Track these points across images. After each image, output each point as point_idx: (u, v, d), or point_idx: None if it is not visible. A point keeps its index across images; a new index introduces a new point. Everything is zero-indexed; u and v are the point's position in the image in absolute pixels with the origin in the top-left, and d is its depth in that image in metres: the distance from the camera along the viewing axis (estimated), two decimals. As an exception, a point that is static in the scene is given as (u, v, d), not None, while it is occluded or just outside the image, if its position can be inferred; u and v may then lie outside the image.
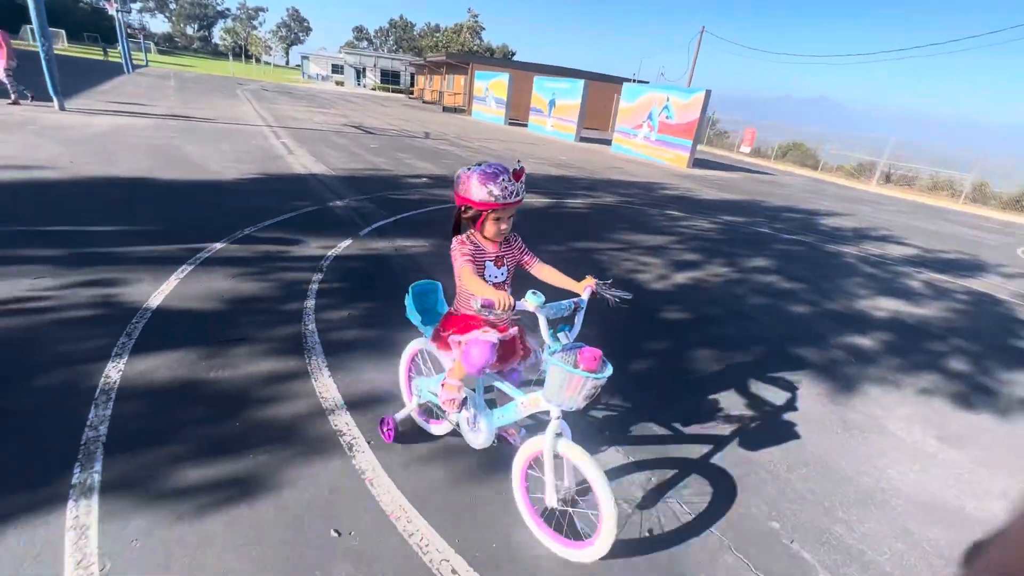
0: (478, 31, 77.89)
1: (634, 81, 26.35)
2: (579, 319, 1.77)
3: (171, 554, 1.62)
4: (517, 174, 1.70)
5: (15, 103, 10.36)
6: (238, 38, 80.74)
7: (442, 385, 1.97)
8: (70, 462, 1.91)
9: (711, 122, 28.29)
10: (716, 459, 2.46)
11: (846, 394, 3.28)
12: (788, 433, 2.77)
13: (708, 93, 15.59)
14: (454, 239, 1.84)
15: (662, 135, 17.27)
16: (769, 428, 2.79)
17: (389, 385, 2.64)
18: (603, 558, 1.71)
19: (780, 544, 2.01)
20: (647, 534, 1.95)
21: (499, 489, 2.06)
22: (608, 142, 20.43)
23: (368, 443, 2.23)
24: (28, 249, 3.73)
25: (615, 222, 7.39)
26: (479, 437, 2.00)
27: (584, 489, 1.81)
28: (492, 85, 27.13)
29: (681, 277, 5.22)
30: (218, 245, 4.30)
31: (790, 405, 3.06)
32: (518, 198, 1.72)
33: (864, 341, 4.19)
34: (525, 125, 25.68)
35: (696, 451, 2.50)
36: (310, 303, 3.49)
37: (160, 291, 3.35)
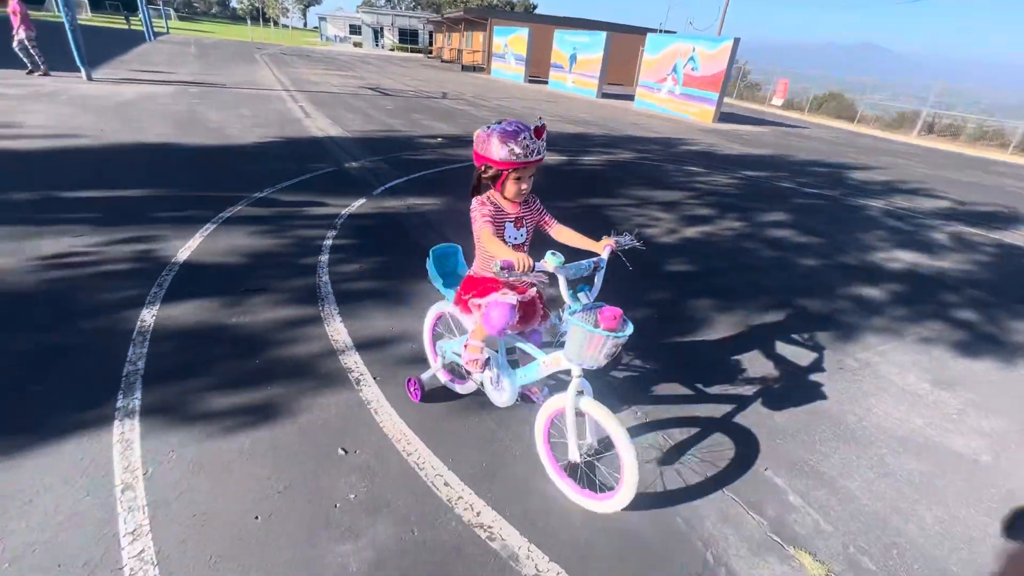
0: (498, -17, 74.58)
1: (660, 31, 25.08)
2: (599, 279, 1.78)
3: (203, 462, 1.88)
4: (538, 131, 1.66)
5: (45, 74, 10.69)
6: (255, 0, 79.72)
7: (465, 346, 2.03)
8: (114, 390, 2.17)
9: (741, 73, 26.89)
10: (703, 400, 2.59)
11: (843, 342, 3.33)
12: (778, 376, 2.86)
13: (736, 41, 14.80)
14: (474, 200, 1.80)
15: (687, 88, 16.57)
16: (759, 371, 2.89)
17: (395, 329, 2.85)
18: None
19: (754, 473, 2.15)
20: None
21: (485, 418, 2.26)
22: (632, 97, 19.73)
23: (374, 379, 2.45)
24: (68, 211, 4.02)
25: (629, 178, 7.32)
26: (503, 395, 2.05)
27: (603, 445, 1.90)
28: (511, 41, 26.29)
29: (692, 231, 5.22)
30: (239, 206, 4.52)
31: (784, 352, 3.14)
32: (539, 156, 1.69)
33: (873, 292, 4.17)
34: (546, 82, 24.97)
35: (682, 390, 2.63)
36: (324, 257, 3.69)
37: (187, 247, 3.60)
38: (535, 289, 1.92)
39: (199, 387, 2.27)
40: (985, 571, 1.82)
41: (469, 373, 2.15)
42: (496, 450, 2.11)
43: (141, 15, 27.95)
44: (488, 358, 2.02)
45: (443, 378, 2.40)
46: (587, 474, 1.95)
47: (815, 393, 2.73)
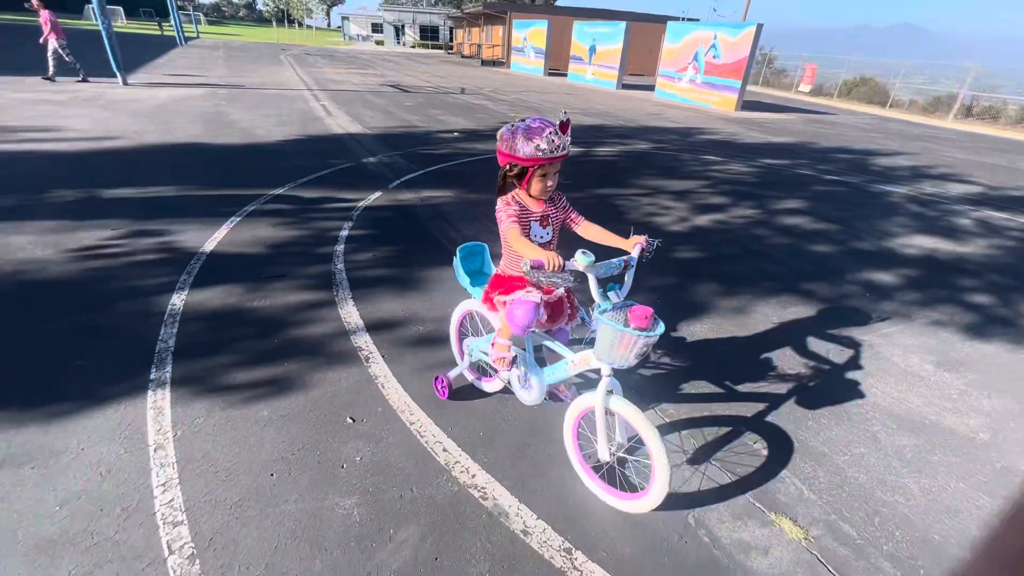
0: (518, -24, 74.22)
1: (683, 19, 24.61)
2: (629, 277, 1.75)
3: (225, 427, 2.07)
4: (564, 126, 1.64)
5: (84, 80, 11.25)
6: (280, 2, 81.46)
7: (492, 344, 2.03)
8: (147, 365, 2.39)
9: (767, 60, 26.20)
10: (694, 376, 2.66)
11: (849, 325, 3.33)
12: (779, 357, 2.90)
13: (759, 27, 14.47)
14: (499, 200, 1.78)
15: (708, 76, 16.30)
16: (760, 351, 2.94)
17: (404, 313, 3.01)
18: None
19: (742, 444, 2.22)
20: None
21: (485, 393, 2.39)
22: (653, 88, 19.50)
23: (383, 357, 2.61)
24: (106, 206, 4.33)
25: (643, 168, 7.33)
26: (531, 394, 2.03)
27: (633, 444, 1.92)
28: (530, 34, 26.27)
29: (703, 220, 5.23)
30: (262, 200, 4.77)
31: (789, 334, 3.17)
32: (565, 151, 1.67)
33: (885, 277, 4.13)
34: (565, 75, 24.86)
35: (682, 366, 2.71)
36: (340, 247, 3.88)
37: (213, 238, 3.85)
38: (562, 288, 1.89)
39: (223, 363, 2.47)
40: (968, 539, 1.86)
41: (496, 371, 2.15)
42: (491, 416, 2.24)
43: (172, 21, 28.99)
44: (515, 356, 2.01)
45: (470, 376, 2.40)
46: (619, 473, 1.94)
47: (811, 373, 2.77)
